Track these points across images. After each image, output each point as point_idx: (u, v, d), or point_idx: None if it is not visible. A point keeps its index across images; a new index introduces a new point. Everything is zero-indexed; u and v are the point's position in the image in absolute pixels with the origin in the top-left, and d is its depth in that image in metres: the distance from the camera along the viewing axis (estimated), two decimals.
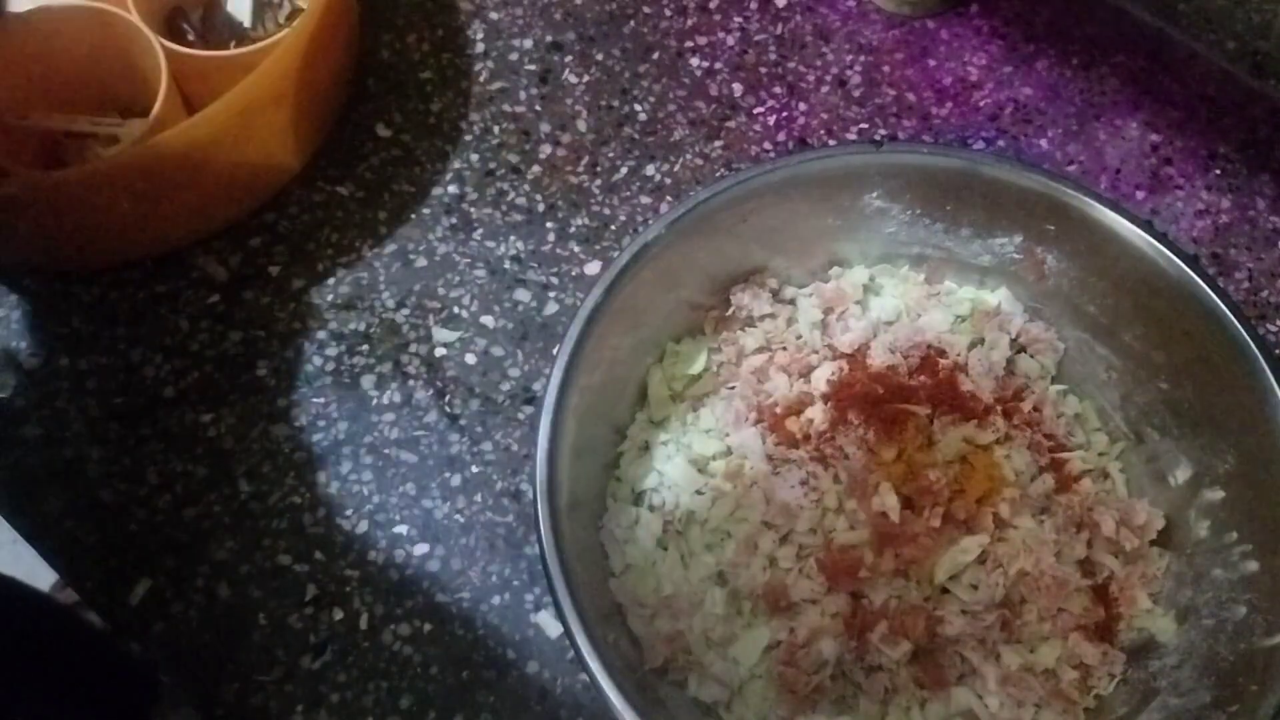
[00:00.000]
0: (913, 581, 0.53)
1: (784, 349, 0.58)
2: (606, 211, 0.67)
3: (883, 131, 0.69)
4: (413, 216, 0.67)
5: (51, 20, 0.62)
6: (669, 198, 0.67)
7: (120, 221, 0.60)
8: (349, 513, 0.59)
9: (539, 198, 0.67)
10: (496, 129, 0.69)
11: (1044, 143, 0.68)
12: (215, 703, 0.54)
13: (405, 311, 0.64)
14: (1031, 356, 0.59)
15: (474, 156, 0.68)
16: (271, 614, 0.56)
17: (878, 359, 0.57)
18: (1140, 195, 0.67)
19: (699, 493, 0.55)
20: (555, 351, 0.52)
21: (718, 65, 0.71)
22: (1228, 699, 0.48)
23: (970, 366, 0.57)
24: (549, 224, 0.66)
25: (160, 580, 0.57)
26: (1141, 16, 0.72)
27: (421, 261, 0.65)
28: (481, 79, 0.71)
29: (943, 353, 0.58)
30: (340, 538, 0.58)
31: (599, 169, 0.68)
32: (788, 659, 0.51)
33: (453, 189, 0.67)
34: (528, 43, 0.72)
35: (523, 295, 0.64)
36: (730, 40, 0.72)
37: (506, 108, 0.70)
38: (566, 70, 0.71)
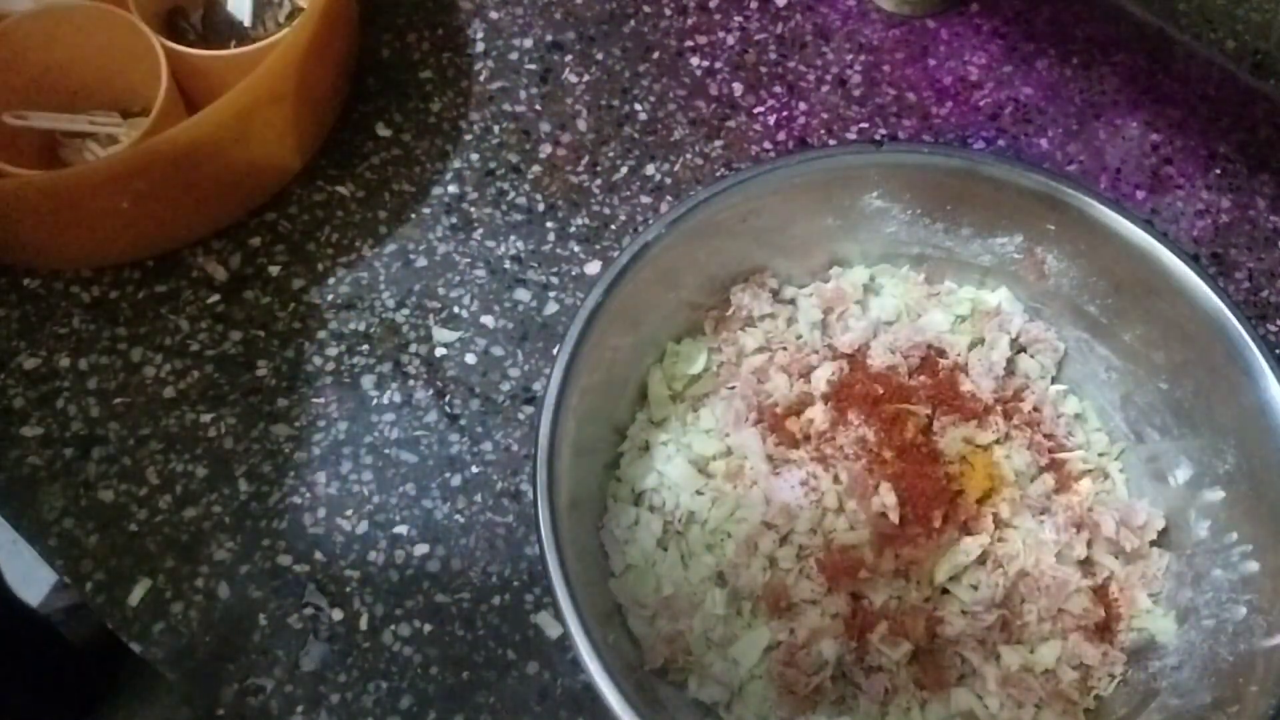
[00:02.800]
0: (913, 582, 0.53)
1: (784, 349, 0.58)
2: (606, 211, 0.67)
3: (883, 131, 0.69)
4: (413, 216, 0.67)
5: (51, 20, 0.62)
6: (669, 197, 0.67)
7: (120, 221, 0.60)
8: (349, 513, 0.59)
9: (539, 197, 0.67)
10: (496, 128, 0.69)
11: (1044, 142, 0.68)
12: (215, 703, 0.54)
13: (405, 311, 0.64)
14: (1031, 356, 0.59)
15: (474, 156, 0.68)
16: (271, 614, 0.56)
17: (878, 359, 0.57)
18: (1140, 195, 0.67)
19: (699, 493, 0.55)
20: (555, 351, 0.53)
21: (718, 65, 0.71)
22: (1228, 699, 0.48)
23: (970, 366, 0.57)
24: (549, 224, 0.66)
25: (160, 580, 0.57)
26: (1141, 16, 0.72)
27: (421, 261, 0.65)
28: (482, 78, 0.71)
29: (943, 353, 0.58)
30: (340, 538, 0.58)
31: (599, 169, 0.68)
32: (788, 660, 0.51)
33: (453, 189, 0.67)
34: (528, 42, 0.72)
35: (523, 295, 0.64)
36: (730, 40, 0.72)
37: (506, 107, 0.70)
38: (566, 70, 0.71)
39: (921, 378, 0.57)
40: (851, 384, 0.56)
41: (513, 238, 0.66)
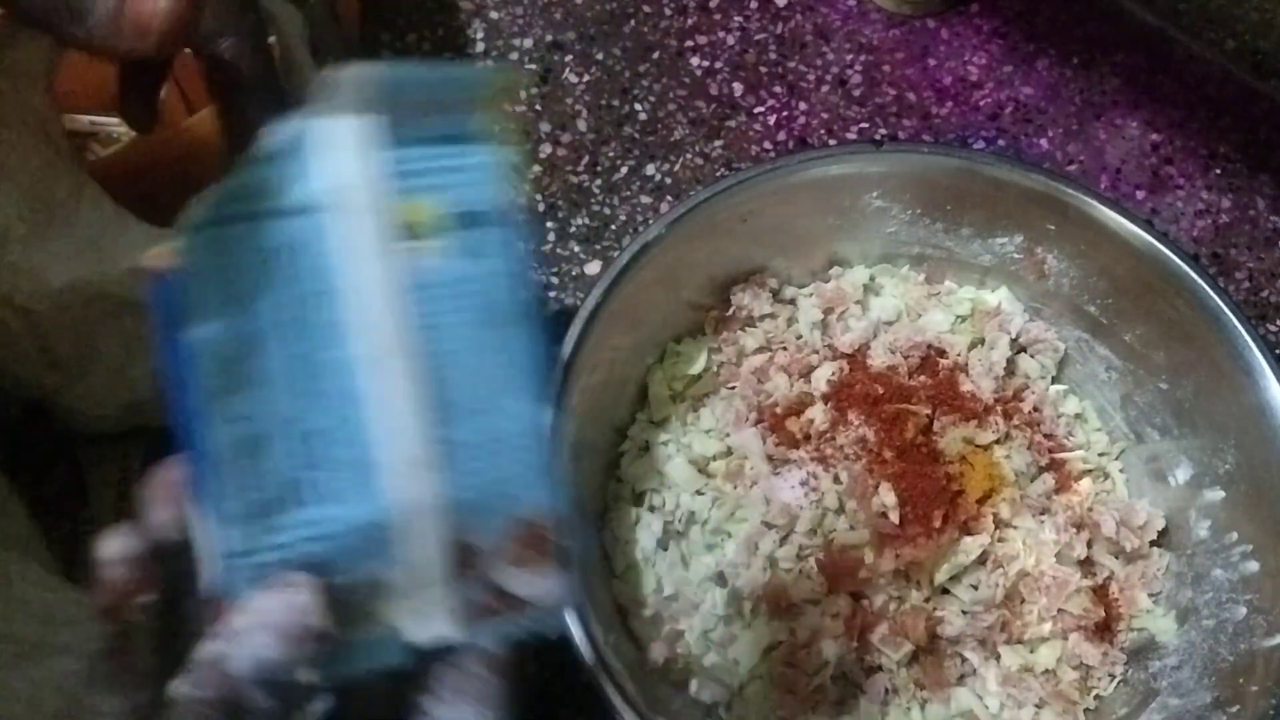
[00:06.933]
0: (913, 582, 0.53)
1: (784, 349, 0.58)
2: (606, 211, 0.67)
3: (883, 131, 0.69)
4: None
5: None
6: (669, 198, 0.67)
7: None
8: None
9: (539, 197, 0.67)
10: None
11: (1044, 142, 0.68)
12: None
13: None
14: (1031, 356, 0.59)
15: None
16: None
17: (878, 359, 0.57)
18: (1140, 195, 0.67)
19: (699, 493, 0.55)
20: (555, 351, 0.52)
21: (718, 65, 0.71)
22: (1228, 699, 0.48)
23: (970, 366, 0.57)
24: (549, 224, 0.66)
25: None
26: (1141, 16, 0.72)
27: None
28: None
29: (943, 353, 0.58)
30: None
31: (599, 168, 0.68)
32: (788, 659, 0.51)
33: None
34: (528, 42, 0.72)
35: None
36: (730, 40, 0.72)
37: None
38: (567, 70, 0.71)
39: (921, 378, 0.57)
40: (851, 384, 0.56)
41: None
